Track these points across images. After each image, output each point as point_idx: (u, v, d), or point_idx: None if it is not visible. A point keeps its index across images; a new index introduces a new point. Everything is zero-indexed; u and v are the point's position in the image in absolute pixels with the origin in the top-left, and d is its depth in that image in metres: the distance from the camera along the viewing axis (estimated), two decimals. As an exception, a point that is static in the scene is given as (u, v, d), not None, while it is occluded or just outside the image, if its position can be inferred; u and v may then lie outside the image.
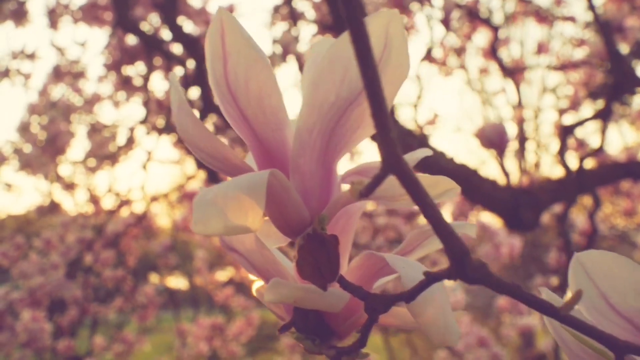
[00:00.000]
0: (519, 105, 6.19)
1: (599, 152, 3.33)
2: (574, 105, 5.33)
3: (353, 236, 0.69)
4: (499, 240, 6.18)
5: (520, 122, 5.57)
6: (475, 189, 3.17)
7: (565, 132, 3.17)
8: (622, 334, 0.67)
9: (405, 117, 6.50)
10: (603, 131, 3.12)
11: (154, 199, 6.40)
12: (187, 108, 0.59)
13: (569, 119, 5.13)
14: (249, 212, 0.51)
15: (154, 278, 10.04)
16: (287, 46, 3.93)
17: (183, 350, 6.44)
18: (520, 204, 3.14)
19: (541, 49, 6.15)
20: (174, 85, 0.60)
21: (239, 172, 0.59)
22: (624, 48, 4.23)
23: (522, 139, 5.78)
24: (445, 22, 3.78)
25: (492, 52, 4.95)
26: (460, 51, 6.31)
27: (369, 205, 6.61)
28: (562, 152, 3.07)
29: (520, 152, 5.94)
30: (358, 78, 0.57)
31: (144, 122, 5.66)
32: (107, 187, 6.36)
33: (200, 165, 5.87)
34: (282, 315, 0.70)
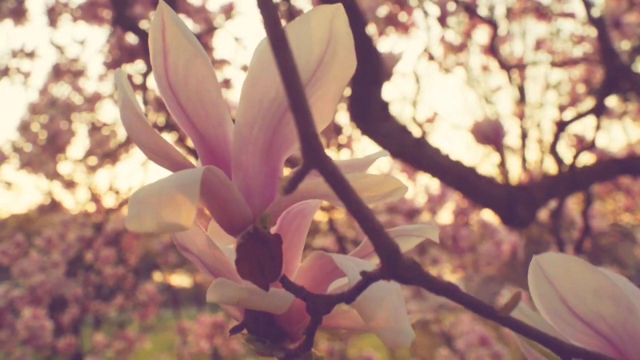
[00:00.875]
0: (521, 102, 6.17)
1: (592, 148, 3.30)
2: (574, 101, 5.31)
3: (305, 236, 0.68)
4: (499, 238, 6.16)
5: (521, 118, 5.54)
6: (471, 186, 3.16)
7: (558, 128, 3.15)
8: (583, 339, 0.66)
9: (404, 114, 6.47)
10: (597, 127, 3.09)
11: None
12: (131, 105, 0.58)
13: (565, 116, 5.10)
14: (182, 210, 0.50)
15: (157, 276, 10.06)
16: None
17: (184, 348, 6.44)
18: (515, 201, 3.12)
19: (541, 45, 6.12)
20: (119, 82, 0.59)
21: (181, 169, 0.58)
22: (625, 44, 4.21)
23: (524, 135, 5.76)
24: (442, 19, 3.76)
25: (491, 49, 4.92)
26: (460, 48, 6.28)
27: (370, 205, 6.62)
28: (554, 149, 3.04)
29: (522, 149, 5.92)
30: (302, 71, 0.55)
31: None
32: (108, 186, 6.36)
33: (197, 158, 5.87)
34: (236, 316, 0.68)
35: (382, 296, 0.55)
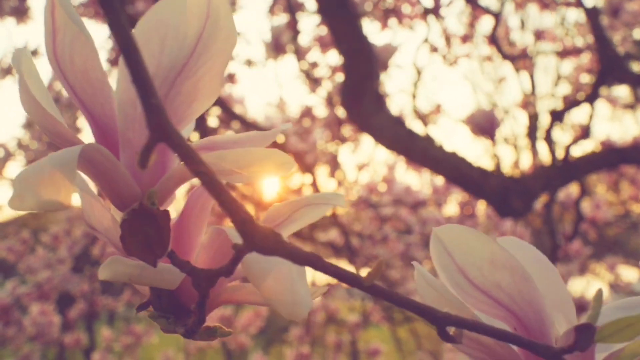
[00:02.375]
0: (530, 93, 6.13)
1: (586, 136, 3.29)
2: (577, 91, 5.28)
3: (207, 218, 0.68)
4: (505, 229, 6.13)
5: (526, 108, 5.51)
6: (465, 177, 3.15)
7: (553, 117, 3.13)
8: (484, 308, 0.66)
9: (404, 106, 6.46)
10: (591, 116, 3.07)
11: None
12: (25, 86, 0.59)
13: (559, 105, 5.07)
14: (61, 188, 0.51)
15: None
16: (278, 37, 3.91)
17: (190, 343, 6.46)
18: (510, 192, 3.11)
19: (544, 35, 6.08)
20: (15, 64, 0.60)
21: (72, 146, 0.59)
22: (626, 33, 4.18)
23: (531, 126, 5.72)
24: (435, 10, 3.75)
25: (492, 39, 4.90)
26: (464, 39, 6.26)
27: (374, 197, 6.59)
28: (549, 138, 3.03)
29: (531, 139, 5.89)
30: (180, 47, 0.56)
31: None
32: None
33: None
34: (146, 293, 0.69)
35: (272, 268, 0.56)
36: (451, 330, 0.54)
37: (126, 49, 0.43)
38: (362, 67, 3.11)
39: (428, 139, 3.19)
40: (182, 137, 0.44)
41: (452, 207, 6.41)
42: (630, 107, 6.01)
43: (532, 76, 5.88)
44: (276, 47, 4.36)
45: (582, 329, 0.52)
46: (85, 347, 6.48)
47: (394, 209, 6.31)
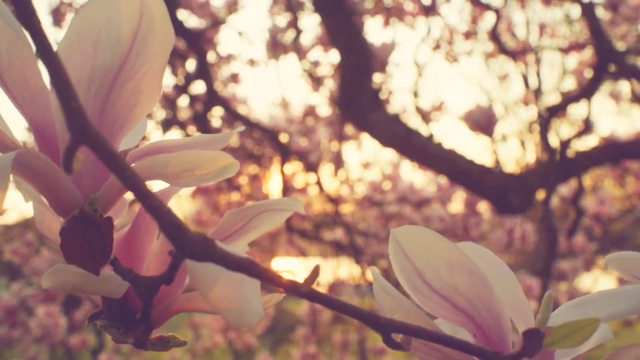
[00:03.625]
0: (532, 89, 6.09)
1: (585, 132, 3.26)
2: (581, 86, 5.24)
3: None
4: (511, 226, 6.11)
5: (527, 105, 5.49)
6: (463, 174, 3.13)
7: (550, 113, 3.10)
8: (443, 313, 0.65)
9: (407, 104, 6.43)
10: (589, 111, 3.05)
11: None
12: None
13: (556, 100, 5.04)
14: (-5, 194, 0.50)
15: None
16: (276, 36, 3.89)
17: (196, 343, 6.47)
18: (508, 188, 3.09)
19: (547, 30, 6.05)
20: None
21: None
22: (628, 27, 4.15)
23: (533, 123, 5.69)
24: (432, 7, 3.73)
25: (493, 35, 4.87)
26: (467, 36, 6.23)
27: (378, 195, 6.57)
28: (545, 134, 3.01)
29: (532, 136, 5.86)
30: (115, 47, 0.55)
31: (148, 116, 5.66)
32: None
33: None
34: (99, 303, 0.68)
35: (218, 275, 0.55)
36: (398, 337, 0.53)
37: (43, 52, 0.42)
38: (358, 65, 3.10)
39: (426, 136, 3.17)
40: (104, 140, 0.43)
41: (456, 204, 6.38)
42: (637, 101, 5.96)
43: (537, 72, 5.85)
44: (275, 46, 4.35)
45: (530, 334, 0.50)
46: (94, 348, 6.50)
47: (399, 207, 6.29)
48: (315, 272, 0.48)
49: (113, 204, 0.59)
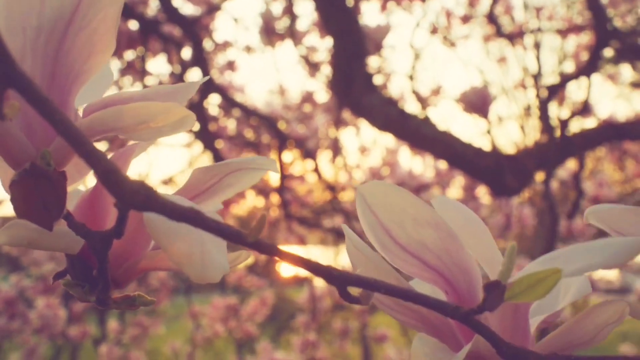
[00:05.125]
0: (529, 71, 6.06)
1: (583, 112, 3.23)
2: (579, 68, 5.21)
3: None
4: (509, 211, 6.09)
5: (525, 87, 5.46)
6: (458, 156, 3.11)
7: (547, 92, 3.08)
8: (413, 271, 0.63)
9: (404, 88, 6.41)
10: (588, 90, 3.02)
11: (165, 182, 6.41)
12: None
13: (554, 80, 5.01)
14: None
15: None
16: (269, 21, 3.87)
17: (197, 333, 6.47)
18: (504, 170, 3.07)
19: (545, 13, 6.01)
20: None
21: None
22: (631, 6, 4.11)
23: (530, 104, 5.66)
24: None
25: (490, 17, 4.85)
26: (465, 20, 6.20)
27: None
28: (545, 114, 2.98)
29: (530, 117, 5.83)
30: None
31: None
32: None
33: (206, 146, 5.87)
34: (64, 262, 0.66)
35: (179, 229, 0.53)
36: (357, 291, 0.51)
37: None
38: (351, 48, 3.07)
39: (421, 119, 3.15)
40: (31, 82, 0.41)
41: (455, 190, 6.36)
42: (637, 85, 5.93)
43: (536, 56, 5.80)
44: (268, 32, 4.32)
45: (490, 287, 0.48)
46: (98, 339, 6.50)
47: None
48: (262, 221, 0.46)
49: (68, 159, 0.57)
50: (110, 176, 0.42)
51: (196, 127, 5.91)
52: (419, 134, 3.10)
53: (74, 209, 0.61)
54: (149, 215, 0.53)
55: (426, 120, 3.17)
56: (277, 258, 0.46)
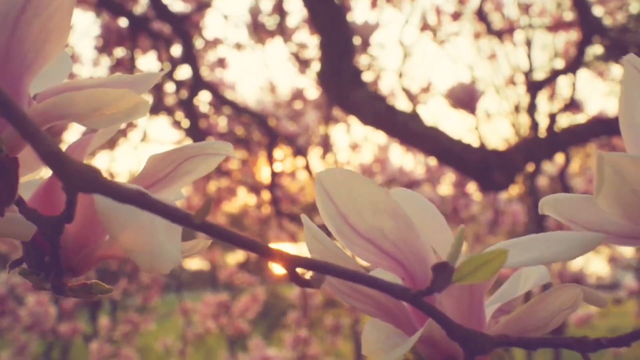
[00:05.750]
0: (519, 67, 6.07)
1: (569, 107, 3.24)
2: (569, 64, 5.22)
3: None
4: (500, 207, 6.11)
5: (514, 83, 5.47)
6: (446, 151, 3.11)
7: (534, 88, 3.09)
8: (370, 258, 0.63)
9: (392, 84, 6.42)
10: (573, 85, 3.03)
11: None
12: None
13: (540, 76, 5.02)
14: None
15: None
16: (257, 17, 3.87)
17: (188, 329, 6.46)
18: (491, 165, 3.08)
19: (534, 9, 6.02)
20: None
21: None
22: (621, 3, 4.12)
23: (519, 100, 5.66)
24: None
25: (480, 14, 4.86)
26: (455, 17, 6.20)
27: (117, 124, 6.56)
28: (530, 110, 2.99)
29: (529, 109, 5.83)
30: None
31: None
32: (106, 170, 6.37)
33: (196, 141, 5.86)
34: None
35: (130, 216, 0.53)
36: (308, 274, 0.51)
37: None
38: (339, 45, 3.07)
39: (409, 114, 3.15)
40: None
41: (446, 186, 6.38)
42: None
43: (527, 53, 5.81)
44: (256, 29, 4.32)
45: (438, 268, 0.48)
46: (89, 336, 6.50)
47: (387, 188, 6.26)
48: (207, 204, 0.46)
49: (22, 145, 0.57)
50: (54, 157, 0.42)
51: (186, 124, 5.92)
52: (407, 129, 3.11)
53: (30, 198, 0.61)
54: (100, 203, 0.53)
55: (414, 116, 3.17)
56: (224, 241, 0.46)
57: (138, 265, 0.56)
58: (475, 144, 3.22)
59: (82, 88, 0.58)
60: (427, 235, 0.62)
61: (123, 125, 6.33)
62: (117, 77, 0.61)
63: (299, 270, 0.50)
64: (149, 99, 5.93)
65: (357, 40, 3.58)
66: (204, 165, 0.67)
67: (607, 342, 0.54)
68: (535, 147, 3.19)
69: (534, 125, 3.08)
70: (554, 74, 3.24)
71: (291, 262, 0.48)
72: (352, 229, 0.61)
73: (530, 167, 3.21)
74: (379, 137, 6.80)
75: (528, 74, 5.37)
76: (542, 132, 3.19)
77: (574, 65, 3.05)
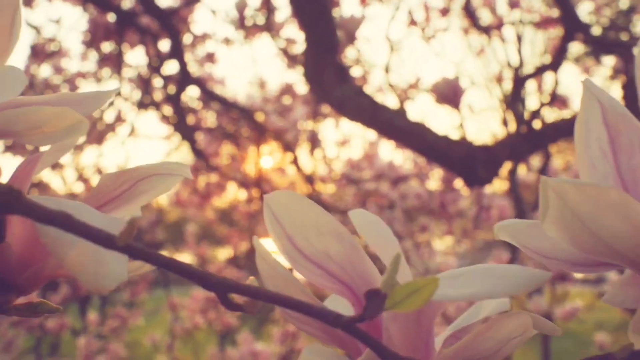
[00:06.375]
0: (506, 63, 6.06)
1: (552, 102, 3.24)
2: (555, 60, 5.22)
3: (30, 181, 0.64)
4: (487, 203, 6.11)
5: (501, 79, 5.47)
6: (430, 146, 3.11)
7: (519, 83, 3.08)
8: (320, 282, 0.62)
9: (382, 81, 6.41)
10: (555, 82, 3.03)
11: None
12: None
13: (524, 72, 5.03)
14: None
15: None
16: (242, 11, 3.85)
17: (175, 324, 6.46)
18: (475, 160, 3.08)
19: (520, 5, 6.01)
20: None
21: None
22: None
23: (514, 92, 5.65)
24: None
25: (467, 10, 4.85)
26: (444, 12, 6.20)
27: (355, 173, 6.55)
28: (514, 105, 2.99)
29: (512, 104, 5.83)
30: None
31: (119, 94, 5.62)
32: (94, 165, 6.35)
33: (184, 137, 5.86)
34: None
35: (71, 238, 0.52)
36: (242, 299, 0.51)
37: None
38: (322, 40, 3.07)
39: (393, 110, 3.15)
40: None
41: (434, 181, 6.38)
42: (614, 77, 5.95)
43: (517, 47, 5.81)
44: (243, 23, 4.30)
45: (370, 295, 0.48)
46: (78, 331, 6.49)
47: (376, 184, 6.28)
48: (132, 225, 0.45)
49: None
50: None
51: (174, 119, 5.90)
52: (392, 125, 3.10)
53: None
54: (40, 224, 0.52)
55: (399, 111, 3.17)
56: (150, 263, 0.46)
57: (82, 283, 0.55)
58: (460, 139, 3.23)
59: (22, 105, 0.58)
60: (384, 258, 0.62)
61: (111, 120, 6.31)
62: (62, 95, 0.61)
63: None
64: (137, 93, 5.93)
65: (342, 35, 3.58)
66: (161, 185, 0.66)
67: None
68: (519, 143, 3.19)
69: (520, 121, 3.08)
70: (538, 70, 3.23)
71: (221, 286, 0.48)
72: (299, 252, 0.61)
73: (510, 163, 3.20)
74: (369, 133, 6.80)
75: (518, 70, 5.38)
76: (527, 127, 3.19)
77: (556, 61, 3.05)
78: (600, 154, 0.55)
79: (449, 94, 3.15)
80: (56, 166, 6.30)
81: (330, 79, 3.11)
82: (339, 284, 0.61)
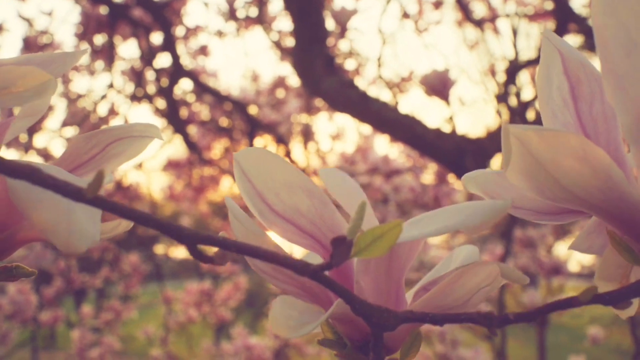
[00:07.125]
0: (499, 56, 6.06)
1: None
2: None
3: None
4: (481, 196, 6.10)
5: (493, 71, 5.47)
6: (419, 138, 3.12)
7: (510, 76, 3.09)
8: (290, 237, 0.63)
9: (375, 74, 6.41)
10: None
11: (136, 167, 6.39)
12: None
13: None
14: None
15: (158, 249, 10.05)
16: (233, 2, 3.85)
17: (169, 318, 6.46)
18: (464, 152, 3.09)
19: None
20: None
21: None
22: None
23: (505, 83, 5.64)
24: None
25: (460, 2, 4.86)
26: (437, 5, 6.20)
27: (349, 167, 6.55)
28: (505, 97, 2.99)
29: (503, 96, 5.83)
30: None
31: (111, 87, 5.62)
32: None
33: (176, 129, 5.85)
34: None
35: (44, 195, 0.53)
36: (212, 250, 0.51)
37: None
38: (310, 32, 3.07)
39: (382, 102, 3.15)
40: None
41: (428, 175, 6.38)
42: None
43: (512, 40, 5.81)
44: (234, 15, 4.30)
45: (337, 242, 0.48)
46: (72, 324, 6.49)
47: (369, 178, 6.28)
48: (99, 176, 0.45)
49: None
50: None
51: (167, 112, 5.90)
52: (380, 116, 3.11)
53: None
54: (11, 182, 0.53)
55: (388, 103, 3.17)
56: (118, 216, 0.46)
57: (54, 244, 0.55)
58: (451, 132, 3.23)
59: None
60: (351, 212, 0.62)
61: (104, 113, 6.30)
62: (30, 56, 0.61)
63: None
64: (130, 86, 5.93)
65: (333, 26, 3.58)
66: (132, 148, 0.66)
67: (515, 317, 0.54)
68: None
69: (513, 112, 3.09)
70: (532, 62, 3.24)
71: (192, 238, 0.48)
72: (270, 208, 0.61)
73: (502, 156, 3.19)
74: (362, 126, 6.80)
75: (511, 62, 5.38)
76: (520, 118, 3.20)
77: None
78: (561, 103, 0.56)
79: (439, 86, 3.15)
80: (49, 159, 6.29)
81: (319, 71, 3.11)
82: (310, 239, 0.62)
